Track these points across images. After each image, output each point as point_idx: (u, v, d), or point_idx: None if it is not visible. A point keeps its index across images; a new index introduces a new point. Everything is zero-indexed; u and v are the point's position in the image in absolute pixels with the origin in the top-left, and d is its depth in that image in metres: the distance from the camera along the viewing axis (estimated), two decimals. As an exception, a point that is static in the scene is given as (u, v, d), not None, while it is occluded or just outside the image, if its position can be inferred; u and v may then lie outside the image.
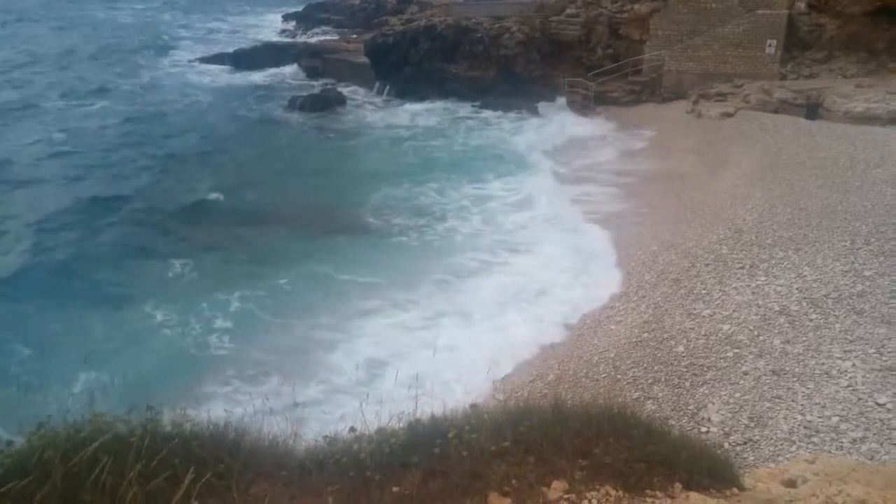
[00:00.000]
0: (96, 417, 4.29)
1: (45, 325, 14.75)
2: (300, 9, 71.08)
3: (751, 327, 11.55)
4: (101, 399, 4.60)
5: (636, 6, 33.63)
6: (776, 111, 26.49)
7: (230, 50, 51.35)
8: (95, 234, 20.07)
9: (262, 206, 22.21)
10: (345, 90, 38.42)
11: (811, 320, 11.47)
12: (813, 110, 25.91)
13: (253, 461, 4.24)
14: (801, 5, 30.33)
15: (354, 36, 49.38)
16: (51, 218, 20.99)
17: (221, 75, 45.81)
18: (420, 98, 36.01)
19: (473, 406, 5.23)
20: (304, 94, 37.57)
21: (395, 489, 4.07)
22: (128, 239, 19.91)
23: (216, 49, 53.46)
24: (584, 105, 32.47)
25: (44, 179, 24.95)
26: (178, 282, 16.82)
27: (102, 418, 4.32)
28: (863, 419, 8.80)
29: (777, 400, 9.47)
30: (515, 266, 17.09)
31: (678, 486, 4.41)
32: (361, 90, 39.28)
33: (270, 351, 13.53)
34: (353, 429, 4.69)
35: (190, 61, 50.20)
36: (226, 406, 10.99)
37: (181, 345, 13.90)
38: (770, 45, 29.75)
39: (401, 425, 4.75)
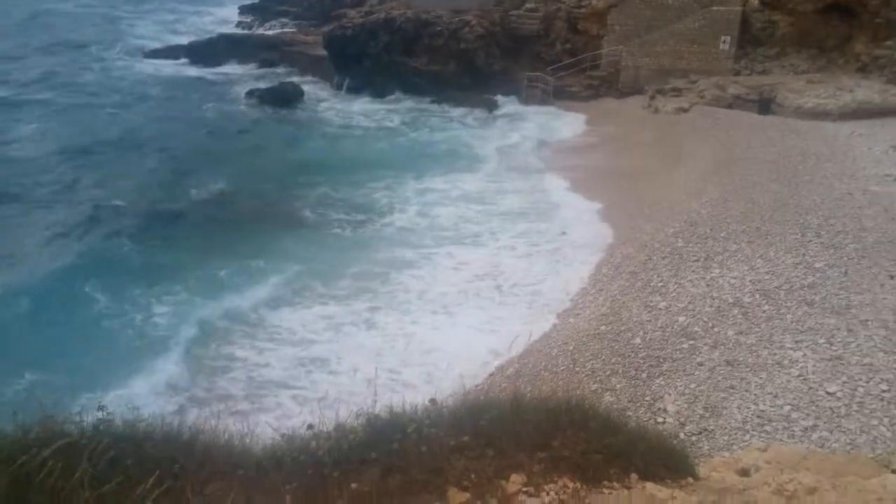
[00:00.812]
0: (46, 418, 4.18)
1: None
2: (257, 0, 70.08)
3: (705, 319, 11.77)
4: (49, 397, 4.48)
5: (594, 1, 33.90)
6: (730, 106, 27.01)
7: (185, 42, 50.30)
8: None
9: (204, 200, 21.72)
10: (302, 83, 37.97)
11: (764, 311, 11.73)
12: (765, 106, 26.49)
13: (208, 460, 4.17)
14: (755, 2, 30.93)
15: (312, 28, 48.82)
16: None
17: (175, 68, 44.85)
18: (379, 91, 35.72)
19: (433, 400, 5.22)
20: (261, 86, 37.02)
21: (353, 486, 4.03)
22: (57, 227, 19.41)
23: (171, 41, 52.29)
24: (543, 100, 32.68)
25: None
26: (114, 276, 16.34)
27: (52, 419, 4.21)
28: (813, 408, 9.03)
29: (731, 390, 9.67)
30: (469, 259, 16.98)
31: (634, 476, 4.46)
32: (319, 83, 38.85)
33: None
34: (310, 426, 4.64)
35: (144, 53, 49.01)
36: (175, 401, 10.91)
37: (123, 338, 13.58)
38: (724, 42, 30.30)
39: (359, 421, 4.72)
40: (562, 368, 11.12)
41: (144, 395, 11.14)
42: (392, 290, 15.31)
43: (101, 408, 4.47)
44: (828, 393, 9.28)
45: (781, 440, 8.43)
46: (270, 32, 51.95)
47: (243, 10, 68.92)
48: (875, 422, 8.63)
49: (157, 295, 15.11)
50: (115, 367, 12.31)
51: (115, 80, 40.83)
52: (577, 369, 10.99)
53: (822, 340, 10.58)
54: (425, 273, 16.18)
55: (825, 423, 8.74)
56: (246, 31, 54.96)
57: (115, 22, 64.33)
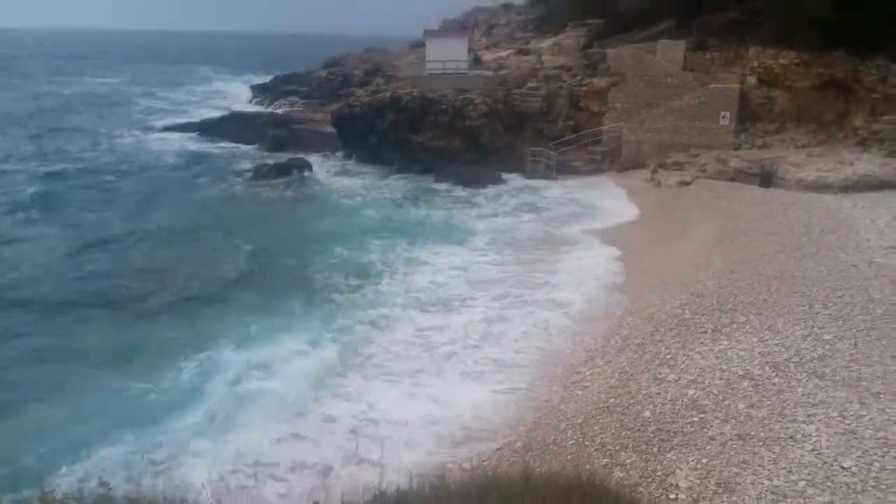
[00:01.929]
0: (47, 494, 4.13)
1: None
2: (267, 80, 72.20)
3: (715, 392, 11.60)
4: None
5: (595, 80, 34.85)
6: (732, 179, 27.36)
7: (196, 120, 51.64)
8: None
9: (201, 270, 21.92)
10: (310, 158, 38.70)
11: (774, 384, 11.57)
12: (767, 179, 26.82)
13: (211, 537, 4.09)
14: (753, 80, 31.70)
15: (321, 106, 50.08)
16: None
17: (187, 144, 45.87)
18: (385, 167, 36.40)
19: (440, 477, 5.14)
20: (270, 162, 37.75)
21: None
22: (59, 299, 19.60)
23: (183, 119, 53.69)
24: (546, 174, 33.22)
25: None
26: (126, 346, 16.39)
27: (53, 495, 4.16)
28: (829, 483, 8.81)
29: (744, 465, 9.46)
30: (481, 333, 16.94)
31: (648, 554, 4.35)
32: (327, 160, 39.60)
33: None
34: (316, 503, 4.57)
35: (157, 130, 50.25)
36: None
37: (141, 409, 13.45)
38: (724, 118, 30.94)
39: (365, 499, 4.64)
40: (571, 442, 10.92)
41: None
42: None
43: (102, 483, 4.42)
44: (843, 468, 9.07)
45: (798, 517, 8.19)
46: (280, 110, 53.27)
47: (254, 88, 71.04)
48: (892, 497, 8.40)
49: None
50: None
51: (128, 156, 41.69)
52: (586, 443, 10.79)
53: (834, 414, 10.40)
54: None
55: (841, 499, 8.51)
56: (256, 109, 56.37)
57: (131, 99, 66.15)
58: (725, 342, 13.50)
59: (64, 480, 9.79)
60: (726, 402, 11.21)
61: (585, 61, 37.26)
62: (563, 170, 33.25)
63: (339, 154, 39.75)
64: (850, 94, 29.95)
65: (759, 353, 12.76)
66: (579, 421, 11.55)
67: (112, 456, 11.76)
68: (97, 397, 13.98)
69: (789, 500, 8.63)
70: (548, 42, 45.22)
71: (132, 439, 12.30)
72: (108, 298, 19.56)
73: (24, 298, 19.64)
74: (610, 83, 34.12)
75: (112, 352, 16.11)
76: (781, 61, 30.80)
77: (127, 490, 4.34)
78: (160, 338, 16.83)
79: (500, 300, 18.66)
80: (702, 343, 13.65)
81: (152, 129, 50.83)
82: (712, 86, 31.50)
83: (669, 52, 33.38)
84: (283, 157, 39.19)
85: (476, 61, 41.48)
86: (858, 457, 9.23)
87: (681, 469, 9.63)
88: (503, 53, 45.86)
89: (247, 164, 38.53)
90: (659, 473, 9.67)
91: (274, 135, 44.59)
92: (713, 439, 10.22)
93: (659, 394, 11.93)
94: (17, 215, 28.39)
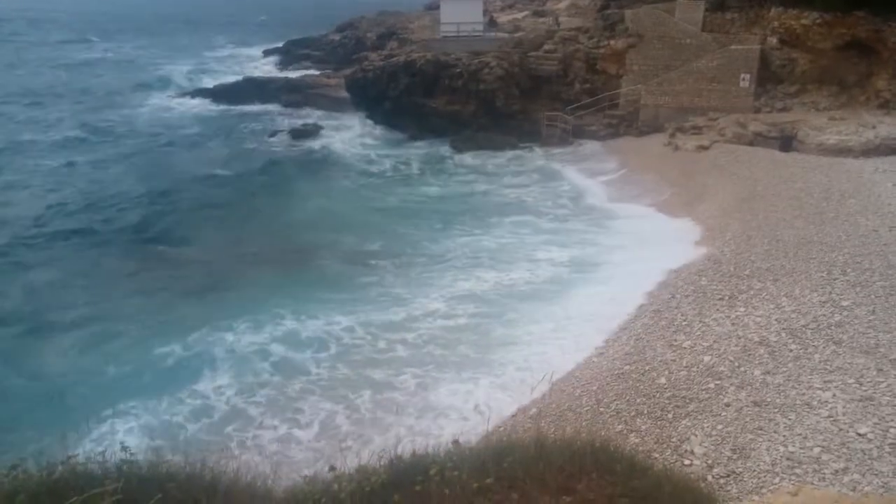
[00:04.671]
0: (70, 459, 4.19)
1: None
2: (280, 45, 71.61)
3: (731, 358, 11.59)
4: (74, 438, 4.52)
5: (612, 42, 34.21)
6: (751, 143, 26.95)
7: (210, 85, 51.46)
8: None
9: (220, 243, 22.04)
10: (324, 124, 38.57)
11: (791, 351, 11.54)
12: (787, 143, 26.41)
13: (230, 502, 4.15)
14: (773, 40, 31.03)
15: (334, 71, 49.69)
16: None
17: (202, 110, 45.82)
18: (399, 132, 36.20)
19: (455, 442, 5.17)
20: (284, 128, 37.67)
21: (376, 529, 4.00)
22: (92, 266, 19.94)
23: (197, 85, 53.52)
24: (563, 138, 32.90)
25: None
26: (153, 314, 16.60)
27: (76, 459, 4.22)
28: (844, 450, 8.81)
29: (759, 431, 9.47)
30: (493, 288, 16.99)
31: (662, 521, 4.38)
32: (341, 124, 39.42)
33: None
34: (332, 468, 4.61)
35: (171, 97, 50.19)
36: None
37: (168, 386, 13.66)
38: (744, 80, 30.39)
39: (381, 463, 4.68)
40: (585, 409, 10.97)
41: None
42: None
43: (124, 448, 4.49)
44: (858, 434, 9.06)
45: (812, 483, 8.22)
46: (293, 75, 52.91)
47: (267, 53, 70.51)
48: (909, 464, 8.40)
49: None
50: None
51: (144, 123, 41.76)
52: (601, 410, 10.84)
53: (851, 380, 10.37)
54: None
55: (857, 465, 8.51)
56: (270, 74, 56.00)
57: (143, 66, 65.97)
58: (742, 308, 13.44)
59: (88, 444, 10.01)
60: (742, 369, 11.20)
61: (602, 22, 36.54)
62: (579, 134, 32.91)
63: (354, 119, 39.48)
64: (872, 56, 29.25)
65: (776, 319, 12.70)
66: (594, 388, 11.59)
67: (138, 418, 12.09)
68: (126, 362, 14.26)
69: (804, 466, 8.64)
70: (564, 3, 44.46)
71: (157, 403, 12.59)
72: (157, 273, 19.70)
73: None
74: (627, 45, 33.48)
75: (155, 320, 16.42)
76: (803, 21, 30.04)
77: (148, 454, 4.40)
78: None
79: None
80: (718, 310, 13.60)
81: (167, 95, 50.76)
82: (732, 47, 30.88)
83: (688, 13, 32.69)
84: (296, 123, 39.07)
85: (491, 23, 40.86)
86: (875, 423, 9.22)
87: (696, 435, 9.67)
88: (519, 15, 45.18)
89: (259, 132, 38.43)
90: (674, 440, 9.71)
91: (288, 100, 44.42)
92: (728, 406, 10.23)
93: (674, 360, 11.93)
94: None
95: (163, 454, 4.75)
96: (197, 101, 48.08)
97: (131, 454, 4.40)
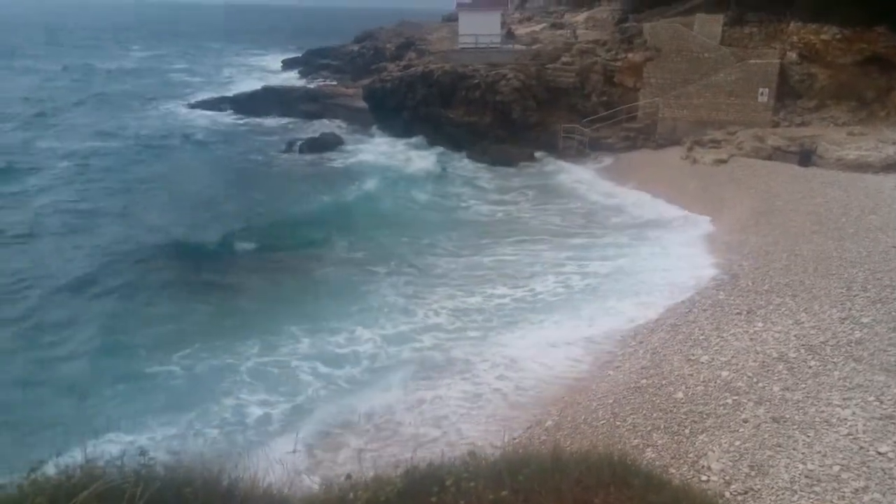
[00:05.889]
0: (88, 463, 4.21)
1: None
2: (300, 55, 72.22)
3: (749, 374, 11.47)
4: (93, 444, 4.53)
5: (630, 55, 34.20)
6: (769, 158, 26.80)
7: (230, 94, 51.90)
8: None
9: (239, 251, 22.15)
10: (342, 134, 38.78)
11: (810, 367, 11.40)
12: (806, 157, 26.23)
13: (247, 509, 4.16)
14: (793, 55, 30.90)
15: (352, 81, 50.02)
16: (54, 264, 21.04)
17: (220, 119, 46.24)
18: (415, 142, 36.33)
19: (471, 453, 5.15)
20: (302, 137, 37.92)
21: (392, 539, 3.98)
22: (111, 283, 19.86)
23: (216, 94, 54.01)
24: (579, 151, 32.87)
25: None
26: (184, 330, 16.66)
27: (95, 463, 4.24)
28: (864, 468, 8.68)
29: (778, 448, 9.36)
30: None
31: (681, 537, 4.33)
32: (359, 134, 39.62)
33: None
34: (349, 476, 4.61)
35: (190, 105, 50.64)
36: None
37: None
38: (762, 94, 30.27)
39: (397, 472, 4.67)
40: (601, 422, 10.89)
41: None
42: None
43: (142, 453, 4.50)
44: (879, 453, 8.93)
45: (831, 502, 8.10)
46: (312, 85, 53.30)
47: (286, 63, 71.13)
48: (931, 485, 8.27)
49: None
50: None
51: (162, 132, 42.13)
52: (617, 423, 10.75)
53: (871, 398, 10.22)
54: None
55: (877, 484, 8.38)
56: (288, 84, 56.42)
57: (164, 75, 66.64)
58: (760, 324, 13.32)
59: (109, 447, 10.07)
60: (760, 385, 11.08)
61: (620, 35, 36.56)
62: (596, 146, 32.86)
63: (372, 129, 39.63)
64: (892, 71, 29.05)
65: (795, 335, 12.57)
66: (610, 401, 11.51)
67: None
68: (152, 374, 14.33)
69: (823, 484, 8.52)
70: (582, 16, 44.53)
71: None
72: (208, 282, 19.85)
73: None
74: (645, 58, 33.47)
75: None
76: (822, 37, 29.89)
77: (166, 461, 4.42)
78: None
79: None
80: (736, 324, 13.48)
81: (186, 104, 51.24)
82: (751, 61, 30.79)
83: (707, 27, 32.64)
84: (314, 132, 39.29)
85: (509, 35, 41.02)
86: (895, 442, 9.08)
87: (713, 451, 9.56)
88: (536, 27, 45.30)
89: (277, 141, 38.72)
90: (691, 455, 9.61)
91: (306, 110, 44.72)
92: (746, 422, 10.11)
93: (692, 375, 11.82)
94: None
95: (181, 460, 4.76)
96: (214, 111, 48.49)
97: (150, 459, 4.42)
